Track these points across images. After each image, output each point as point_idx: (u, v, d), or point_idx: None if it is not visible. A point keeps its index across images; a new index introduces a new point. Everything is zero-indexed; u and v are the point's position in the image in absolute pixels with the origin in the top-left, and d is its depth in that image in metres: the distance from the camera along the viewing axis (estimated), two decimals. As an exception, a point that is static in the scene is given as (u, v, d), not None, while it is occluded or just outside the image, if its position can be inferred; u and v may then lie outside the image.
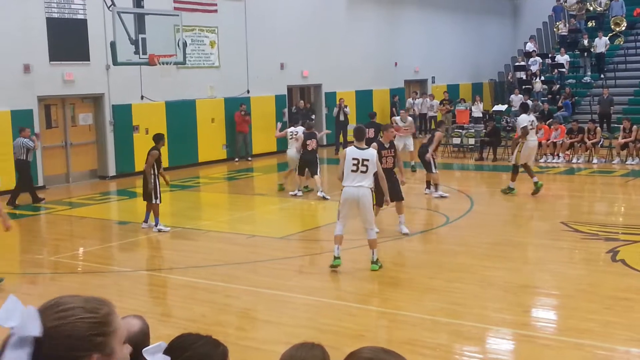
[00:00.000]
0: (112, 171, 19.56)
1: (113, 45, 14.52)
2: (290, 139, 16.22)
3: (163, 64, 15.34)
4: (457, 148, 22.56)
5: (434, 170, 15.04)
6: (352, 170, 9.50)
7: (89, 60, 18.71)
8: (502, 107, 25.12)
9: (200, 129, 21.66)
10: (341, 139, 23.93)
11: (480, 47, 33.10)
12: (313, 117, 25.08)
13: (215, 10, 21.86)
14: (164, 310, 8.55)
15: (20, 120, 17.28)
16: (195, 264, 10.48)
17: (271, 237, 12.14)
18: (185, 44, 17.23)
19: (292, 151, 16.07)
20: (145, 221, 12.80)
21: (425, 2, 30.14)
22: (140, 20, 15.07)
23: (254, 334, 7.62)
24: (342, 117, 24.21)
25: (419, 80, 30.56)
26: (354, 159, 9.51)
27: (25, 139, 15.75)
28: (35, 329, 1.39)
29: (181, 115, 21.00)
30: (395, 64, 28.82)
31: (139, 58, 14.87)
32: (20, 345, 1.37)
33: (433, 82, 30.96)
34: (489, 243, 11.17)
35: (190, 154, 21.33)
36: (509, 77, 29.64)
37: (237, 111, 22.18)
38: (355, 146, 9.70)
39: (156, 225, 12.54)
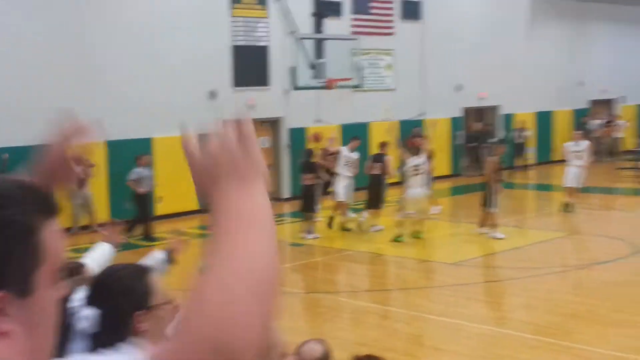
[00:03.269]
0: (287, 193, 20.08)
1: (293, 70, 14.97)
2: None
3: (340, 87, 15.62)
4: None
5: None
6: None
7: (269, 85, 19.42)
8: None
9: (374, 152, 21.75)
10: (520, 162, 23.26)
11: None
12: (494, 140, 24.45)
13: (393, 33, 21.97)
14: (335, 333, 8.54)
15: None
16: (366, 287, 10.44)
17: (444, 262, 11.85)
18: (362, 68, 17.44)
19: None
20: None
21: (613, 17, 28.50)
22: (319, 45, 15.46)
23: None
24: (519, 140, 23.46)
25: (606, 100, 28.89)
26: None
27: None
28: None
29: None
30: (581, 83, 27.45)
31: (317, 82, 15.24)
32: None
33: (623, 101, 29.13)
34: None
35: (364, 175, 21.45)
36: None
37: (410, 136, 22.08)
38: None
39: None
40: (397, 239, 13.03)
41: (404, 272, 11.38)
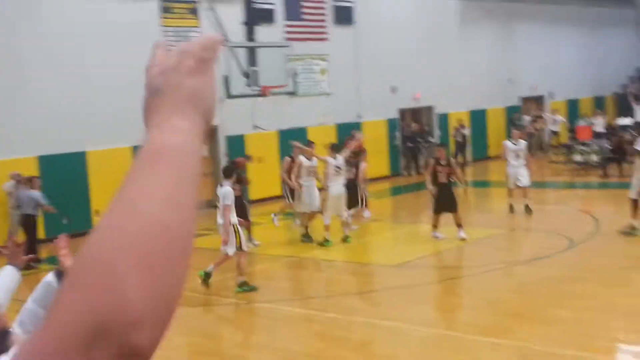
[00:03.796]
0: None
1: (226, 79, 14.83)
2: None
3: (275, 94, 15.56)
4: (579, 166, 21.54)
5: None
6: None
7: (204, 94, 19.19)
8: (628, 121, 23.86)
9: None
10: (461, 159, 23.57)
11: (602, 59, 31.69)
12: (431, 139, 24.75)
13: (326, 39, 22.02)
14: (278, 345, 8.46)
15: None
16: (310, 294, 10.39)
17: (386, 264, 11.87)
18: (295, 74, 17.40)
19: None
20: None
21: (541, 16, 29.21)
22: (252, 53, 15.35)
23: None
24: (459, 138, 23.82)
25: (536, 97, 29.58)
26: None
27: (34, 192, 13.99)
28: None
29: (294, 143, 21.18)
30: (510, 80, 28.03)
31: (252, 90, 15.14)
32: None
33: (552, 98, 29.88)
34: (619, 268, 10.46)
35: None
36: (631, 89, 28.19)
37: (347, 137, 22.16)
38: None
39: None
40: (324, 244, 13.10)
41: (347, 277, 11.37)
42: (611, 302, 8.85)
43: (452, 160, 13.21)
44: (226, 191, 10.39)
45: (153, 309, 0.79)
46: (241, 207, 13.40)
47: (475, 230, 13.43)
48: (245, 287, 10.42)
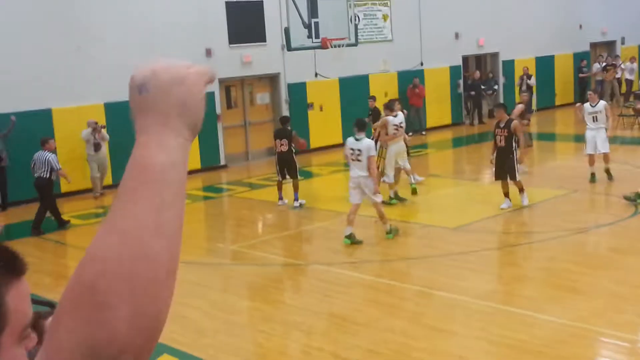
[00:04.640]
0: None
1: (287, 31, 14.72)
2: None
3: (335, 46, 15.38)
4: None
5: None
6: None
7: (266, 42, 19.14)
8: None
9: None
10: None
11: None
12: (496, 87, 24.19)
13: (388, -17, 21.55)
14: (334, 310, 8.58)
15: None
16: (367, 257, 10.45)
17: (445, 227, 11.80)
18: (357, 22, 17.13)
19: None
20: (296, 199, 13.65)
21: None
22: (313, 3, 15.13)
23: (424, 344, 7.46)
24: (524, 88, 23.17)
25: (606, 42, 28.47)
26: None
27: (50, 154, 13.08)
28: None
29: (355, 90, 21.02)
30: (580, 25, 26.99)
31: (312, 42, 15.01)
32: None
33: (623, 43, 28.73)
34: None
35: (364, 129, 21.33)
36: None
37: (409, 85, 21.90)
38: None
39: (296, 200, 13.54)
40: (390, 202, 13.13)
41: (403, 239, 11.33)
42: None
43: (514, 122, 12.55)
44: (370, 143, 10.76)
45: (138, 338, 0.87)
46: (290, 164, 13.54)
47: (538, 191, 13.21)
48: (395, 232, 11.05)
